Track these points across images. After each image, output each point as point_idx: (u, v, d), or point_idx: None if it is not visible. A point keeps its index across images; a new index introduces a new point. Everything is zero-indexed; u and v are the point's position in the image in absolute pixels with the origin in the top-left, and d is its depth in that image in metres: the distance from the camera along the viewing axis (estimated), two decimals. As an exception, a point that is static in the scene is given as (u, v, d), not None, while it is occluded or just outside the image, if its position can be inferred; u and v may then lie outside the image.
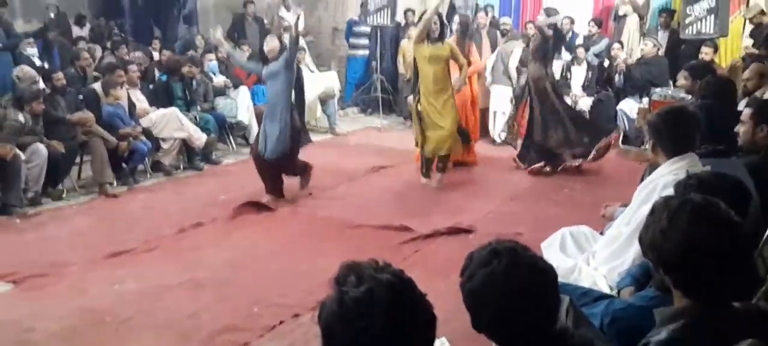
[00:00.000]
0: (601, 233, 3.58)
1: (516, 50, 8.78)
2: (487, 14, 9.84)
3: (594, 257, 3.28)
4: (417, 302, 1.49)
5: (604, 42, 9.50)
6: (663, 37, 9.10)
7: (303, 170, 6.70)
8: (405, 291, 1.48)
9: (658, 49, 8.63)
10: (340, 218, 5.93)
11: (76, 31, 11.40)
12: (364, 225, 5.75)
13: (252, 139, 8.61)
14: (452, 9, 10.80)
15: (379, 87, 10.44)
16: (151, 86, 8.20)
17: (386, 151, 8.47)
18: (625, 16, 9.42)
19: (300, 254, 5.15)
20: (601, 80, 9.01)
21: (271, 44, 6.40)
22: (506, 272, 1.64)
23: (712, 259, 1.71)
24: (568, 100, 8.86)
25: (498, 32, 9.62)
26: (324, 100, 9.78)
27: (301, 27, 11.09)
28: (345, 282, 1.47)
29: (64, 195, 6.63)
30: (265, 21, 11.64)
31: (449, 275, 4.49)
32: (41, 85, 6.86)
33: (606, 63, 9.13)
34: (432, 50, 6.64)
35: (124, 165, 7.09)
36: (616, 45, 8.96)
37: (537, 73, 7.25)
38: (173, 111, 7.56)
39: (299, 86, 6.78)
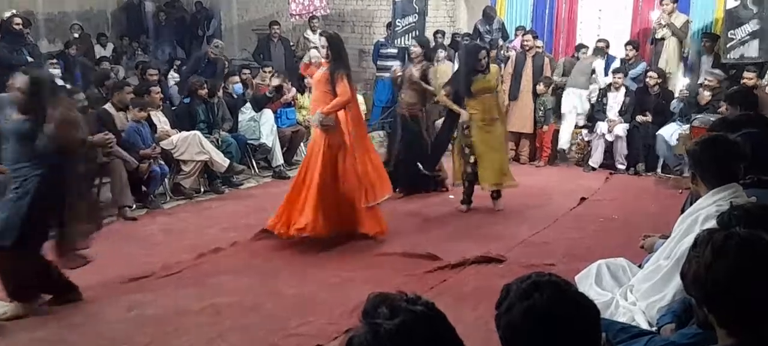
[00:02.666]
0: (640, 266, 3.52)
1: (597, 63, 9.36)
2: (535, 38, 9.66)
3: (632, 291, 3.23)
4: (450, 336, 1.47)
5: (642, 66, 9.40)
6: (707, 62, 8.99)
7: (62, 288, 4.66)
8: (440, 324, 1.47)
9: (721, 84, 8.42)
10: (364, 244, 5.91)
11: (99, 51, 11.65)
12: (388, 252, 5.73)
13: (275, 163, 8.69)
14: (477, 31, 10.82)
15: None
16: (173, 108, 8.33)
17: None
18: (662, 39, 9.34)
19: (322, 281, 5.14)
20: (638, 106, 8.88)
21: (18, 81, 4.38)
22: (549, 307, 1.60)
23: (759, 296, 1.67)
24: (604, 127, 8.83)
25: (547, 59, 9.58)
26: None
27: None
28: (375, 314, 1.46)
29: (83, 217, 6.70)
30: (291, 42, 11.78)
31: (478, 307, 4.49)
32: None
33: (651, 89, 8.92)
34: (478, 83, 6.70)
35: (143, 187, 7.17)
36: (651, 73, 8.85)
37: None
38: (195, 134, 7.64)
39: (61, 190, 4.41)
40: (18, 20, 8.61)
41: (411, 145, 7.67)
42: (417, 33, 10.09)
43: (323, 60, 5.90)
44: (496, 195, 7.06)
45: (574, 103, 9.22)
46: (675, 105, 8.68)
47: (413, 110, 7.68)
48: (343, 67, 5.80)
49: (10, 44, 8.42)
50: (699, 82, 8.65)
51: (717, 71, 8.45)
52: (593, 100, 9.25)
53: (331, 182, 5.79)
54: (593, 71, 9.35)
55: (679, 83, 9.07)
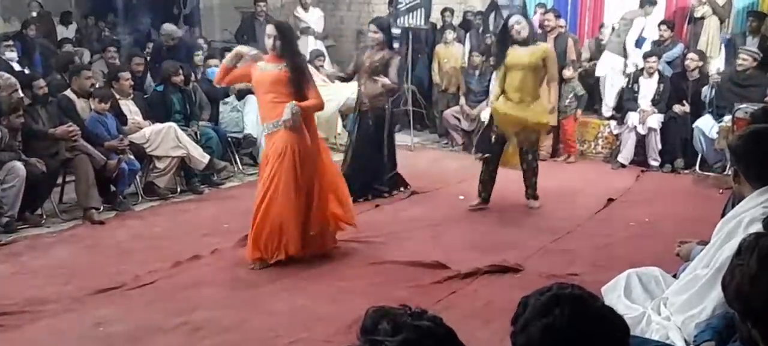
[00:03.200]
0: (675, 276, 3.52)
1: (638, 20, 9.50)
2: (558, 17, 9.73)
3: (666, 304, 3.23)
4: None
5: (679, 47, 9.43)
6: (752, 44, 8.98)
7: None
8: (448, 342, 1.47)
9: (757, 62, 8.44)
10: (363, 251, 5.93)
11: (62, 31, 11.64)
12: (390, 261, 5.74)
13: (261, 158, 8.69)
14: (494, 7, 10.82)
15: (410, 99, 10.46)
16: (145, 97, 8.34)
17: (419, 174, 8.46)
18: (702, 18, 9.35)
19: (315, 294, 5.15)
20: (675, 94, 8.87)
21: None
22: (570, 324, 1.60)
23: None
24: (635, 118, 8.83)
25: (571, 40, 9.65)
26: (345, 114, 9.82)
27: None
28: (375, 330, 1.46)
29: (43, 221, 6.73)
30: (279, 21, 11.78)
31: (491, 322, 4.50)
32: (21, 93, 6.99)
33: (690, 73, 8.89)
34: (514, 57, 6.76)
35: (112, 187, 7.18)
36: (691, 55, 8.85)
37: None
38: (170, 126, 7.65)
39: None
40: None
41: (369, 148, 7.44)
42: (422, 12, 10.10)
43: (270, 52, 5.50)
44: (530, 192, 7.13)
45: (608, 68, 9.51)
46: (706, 93, 8.67)
47: (377, 103, 7.38)
48: (306, 68, 5.66)
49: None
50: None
51: (751, 49, 8.48)
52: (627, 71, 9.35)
53: (306, 196, 5.56)
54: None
55: (721, 67, 9.08)
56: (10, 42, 9.49)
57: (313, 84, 5.66)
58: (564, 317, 1.61)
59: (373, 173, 7.52)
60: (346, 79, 7.81)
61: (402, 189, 7.81)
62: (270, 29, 5.52)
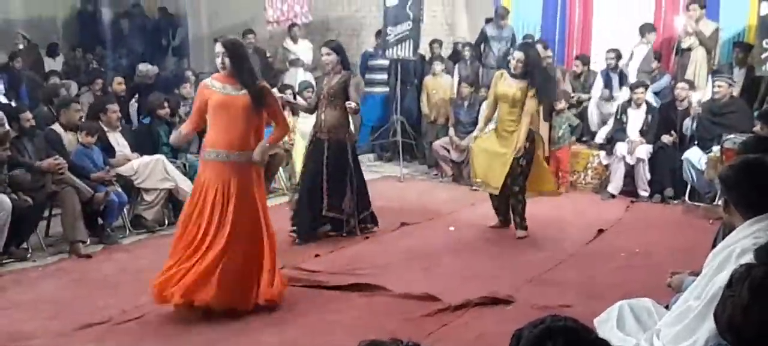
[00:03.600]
0: (667, 307, 3.53)
1: (638, 49, 9.67)
2: (546, 49, 9.81)
3: (658, 336, 3.23)
4: None
5: (666, 78, 9.51)
6: (739, 75, 9.06)
7: None
8: None
9: (733, 88, 8.54)
10: (352, 284, 5.90)
11: (49, 63, 11.65)
12: (380, 293, 5.72)
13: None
14: (484, 38, 10.89)
15: (399, 130, 10.49)
16: (133, 129, 8.33)
17: (408, 205, 8.47)
18: (689, 49, 9.44)
19: (304, 326, 5.12)
20: (663, 124, 8.94)
21: None
22: None
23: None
24: (624, 148, 8.87)
25: (560, 71, 9.77)
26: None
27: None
28: None
29: (29, 254, 6.67)
30: (268, 54, 11.83)
31: (483, 356, 4.48)
32: (7, 126, 6.97)
33: (680, 103, 8.97)
34: (500, 86, 7.06)
35: (99, 220, 7.14)
36: (681, 84, 8.92)
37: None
38: (159, 159, 7.64)
39: None
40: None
41: (334, 179, 7.09)
42: (411, 43, 10.17)
43: (221, 71, 5.23)
44: (519, 222, 7.24)
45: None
46: (687, 125, 8.74)
47: (337, 134, 7.09)
48: (264, 89, 5.29)
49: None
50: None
51: (725, 75, 8.57)
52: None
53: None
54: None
55: (704, 98, 9.15)
56: (-5, 74, 9.50)
57: (278, 105, 5.56)
58: None
59: (331, 204, 7.12)
60: (311, 112, 7.48)
61: (370, 226, 7.48)
62: (218, 47, 5.23)
